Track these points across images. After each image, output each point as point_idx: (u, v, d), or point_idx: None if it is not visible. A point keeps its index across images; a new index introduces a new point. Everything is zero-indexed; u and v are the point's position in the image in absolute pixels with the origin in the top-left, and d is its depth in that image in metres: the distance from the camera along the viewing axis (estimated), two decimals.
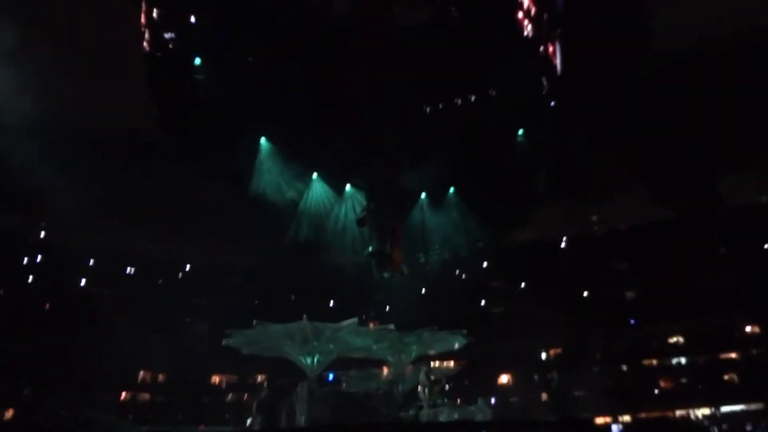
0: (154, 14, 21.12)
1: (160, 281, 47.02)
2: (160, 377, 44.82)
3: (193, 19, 20.73)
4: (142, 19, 21.49)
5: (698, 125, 35.49)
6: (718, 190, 42.57)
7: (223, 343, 30.80)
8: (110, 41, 27.77)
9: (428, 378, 27.36)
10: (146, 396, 44.05)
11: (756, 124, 36.32)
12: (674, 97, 33.51)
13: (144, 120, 25.11)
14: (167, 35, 21.24)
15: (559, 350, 46.85)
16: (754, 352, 41.41)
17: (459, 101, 23.73)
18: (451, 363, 44.87)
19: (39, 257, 43.34)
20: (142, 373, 44.04)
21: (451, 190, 27.69)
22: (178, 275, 48.79)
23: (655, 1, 27.95)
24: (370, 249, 23.02)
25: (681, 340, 44.66)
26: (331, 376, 40.05)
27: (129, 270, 46.55)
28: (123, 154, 31.42)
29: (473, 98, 23.63)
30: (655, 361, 44.80)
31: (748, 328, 42.78)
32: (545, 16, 22.18)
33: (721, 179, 40.65)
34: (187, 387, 43.32)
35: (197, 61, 21.62)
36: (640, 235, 47.73)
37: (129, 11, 22.20)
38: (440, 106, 23.79)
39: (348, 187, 26.66)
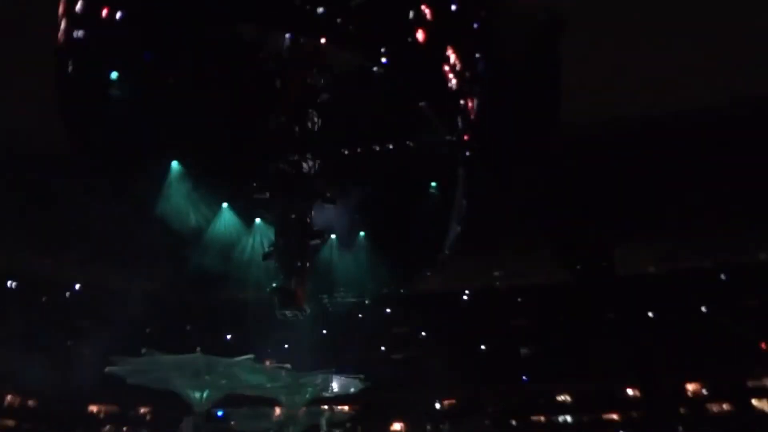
0: (77, 8, 19.98)
1: (43, 298, 43.97)
2: (30, 402, 41.39)
3: (119, 29, 19.67)
4: (60, 10, 20.39)
5: (600, 195, 37.89)
6: (612, 258, 45.19)
7: (106, 370, 29.05)
8: (25, 51, 26.51)
9: (328, 424, 26.95)
10: (11, 422, 40.44)
11: (650, 200, 39.33)
12: (582, 166, 35.71)
13: (43, 131, 23.84)
14: (85, 36, 20.12)
15: (453, 401, 47.49)
16: (634, 414, 43.82)
17: (377, 148, 24.14)
18: (346, 407, 44.38)
19: None
20: (9, 396, 40.54)
21: (362, 234, 27.86)
22: (65, 294, 45.77)
23: (575, 75, 29.78)
24: (274, 285, 22.73)
25: (568, 399, 46.54)
26: (220, 413, 38.51)
27: (10, 284, 43.26)
28: (20, 164, 29.60)
29: (391, 146, 24.10)
30: (543, 418, 46.35)
31: (629, 391, 45.23)
32: (467, 73, 22.98)
33: (615, 248, 43.22)
34: (60, 415, 40.20)
35: (114, 75, 20.80)
36: (539, 295, 49.78)
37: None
38: (358, 150, 24.10)
39: (257, 220, 26.23)
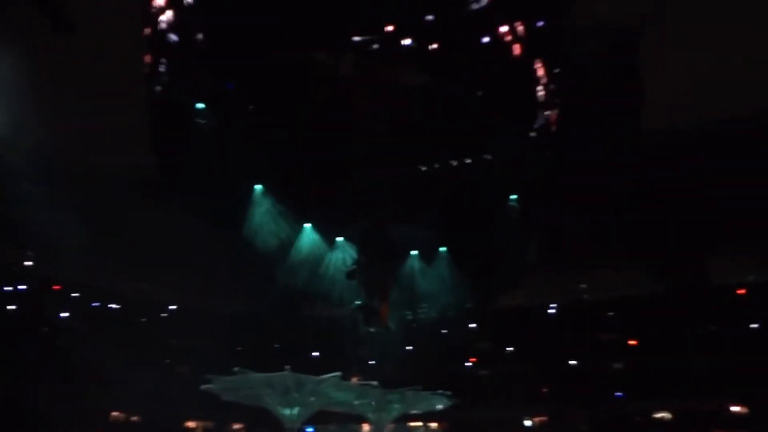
0: (162, 57, 21.39)
1: (142, 320, 46.39)
2: (134, 419, 43.62)
3: (200, 64, 20.84)
4: (148, 59, 21.77)
5: (691, 203, 36.00)
6: (707, 268, 42.83)
7: (202, 387, 30.19)
8: (111, 78, 28.22)
9: None
10: None
11: (745, 206, 36.93)
12: (670, 174, 34.12)
13: (139, 160, 25.32)
14: (173, 78, 21.47)
15: (544, 418, 46.06)
16: None
17: (455, 163, 24.02)
18: (434, 424, 44.03)
19: (22, 286, 42.76)
20: (114, 413, 42.89)
21: (442, 249, 27.73)
22: (161, 315, 48.13)
23: (658, 79, 28.66)
24: (358, 303, 22.98)
25: (667, 416, 44.07)
26: (309, 429, 39.16)
27: (112, 306, 45.93)
28: (117, 193, 31.56)
29: (469, 161, 23.92)
30: None
31: (733, 408, 42.31)
32: (552, 86, 22.65)
33: (711, 258, 40.94)
34: (160, 430, 42.14)
35: (200, 105, 21.91)
36: (629, 307, 47.65)
37: (135, 50, 22.55)
38: (436, 166, 24.07)
39: (340, 239, 26.67)
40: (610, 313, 48.88)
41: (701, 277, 43.46)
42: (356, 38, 18.78)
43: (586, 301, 49.45)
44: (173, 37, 20.18)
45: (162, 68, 21.31)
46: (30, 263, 42.46)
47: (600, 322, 48.32)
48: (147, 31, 20.91)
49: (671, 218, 36.23)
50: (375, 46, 18.99)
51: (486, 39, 19.21)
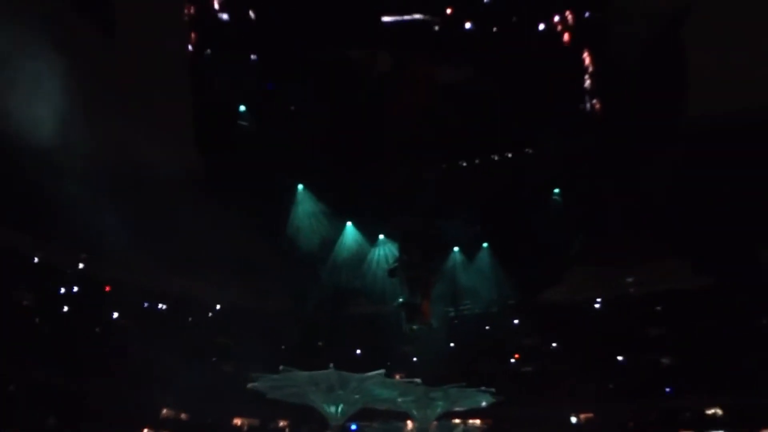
0: (206, 60, 21.83)
1: (189, 319, 47.35)
2: (183, 416, 44.61)
3: (243, 67, 21.24)
4: (192, 62, 22.26)
5: (739, 192, 34.87)
6: (757, 260, 41.39)
7: (248, 386, 30.67)
8: (157, 80, 28.82)
9: None
10: None
11: None
12: (714, 162, 33.11)
13: (185, 160, 25.89)
14: (217, 81, 21.94)
15: (590, 415, 45.23)
16: None
17: (495, 157, 23.92)
18: (477, 421, 43.71)
19: (75, 288, 44.16)
20: (165, 410, 43.94)
21: (485, 245, 27.59)
22: (208, 314, 49.05)
23: (702, 65, 27.90)
24: (400, 300, 23.04)
25: (719, 412, 42.76)
26: (354, 427, 39.37)
27: (161, 306, 47.03)
28: (163, 193, 32.26)
29: (509, 155, 23.80)
30: None
31: None
32: (595, 76, 22.44)
33: (761, 250, 39.54)
34: (208, 428, 42.98)
35: (242, 108, 22.34)
36: (677, 301, 46.28)
37: (180, 53, 23.04)
38: (476, 161, 24.01)
39: (381, 237, 26.80)
40: (658, 308, 47.61)
41: (751, 269, 42.07)
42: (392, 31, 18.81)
43: (633, 295, 48.34)
44: (217, 38, 20.65)
45: (206, 70, 21.85)
46: (82, 266, 43.79)
47: (647, 316, 47.10)
48: (191, 34, 21.46)
49: (719, 209, 35.16)
50: (413, 39, 19.08)
51: (526, 30, 19.13)
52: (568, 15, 20.20)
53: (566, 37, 20.19)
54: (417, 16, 18.54)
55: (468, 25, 18.75)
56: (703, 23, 27.38)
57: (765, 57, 31.80)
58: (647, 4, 26.29)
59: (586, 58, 21.59)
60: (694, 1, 26.74)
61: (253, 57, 20.21)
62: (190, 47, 21.83)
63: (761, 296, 42.73)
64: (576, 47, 20.93)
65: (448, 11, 18.60)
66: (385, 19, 18.45)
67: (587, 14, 20.54)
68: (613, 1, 23.35)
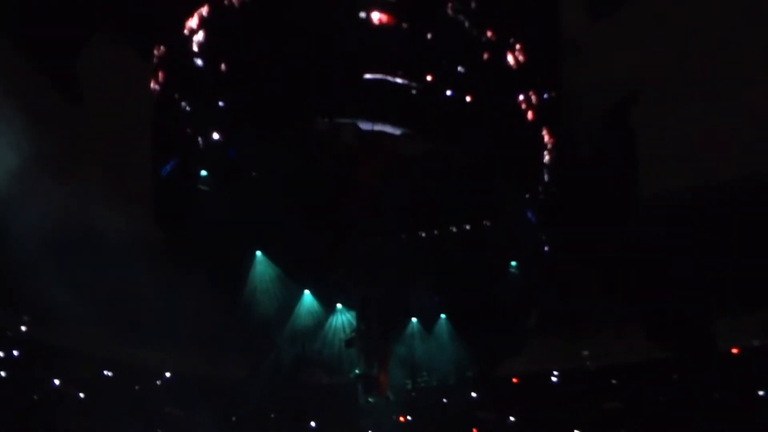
0: (168, 125, 21.72)
1: (136, 387, 45.34)
2: None
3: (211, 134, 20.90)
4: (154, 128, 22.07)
5: (694, 266, 35.88)
6: (712, 333, 42.26)
7: None
8: (115, 145, 28.62)
9: None
10: None
11: (748, 269, 36.74)
12: (671, 237, 34.15)
13: (139, 226, 25.43)
14: (177, 145, 21.77)
15: None
16: None
17: (454, 229, 24.18)
18: None
19: (16, 353, 42.04)
20: None
21: (443, 316, 27.51)
22: (156, 383, 47.09)
23: (656, 144, 29.12)
24: (357, 371, 22.67)
25: None
26: None
27: (106, 373, 45.00)
28: (115, 258, 31.49)
29: (468, 227, 24.09)
30: None
31: None
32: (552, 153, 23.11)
33: (715, 322, 40.43)
34: None
35: (203, 172, 22.21)
36: (634, 374, 46.67)
37: (141, 119, 22.97)
38: (435, 232, 24.23)
39: (339, 306, 26.52)
40: (614, 381, 47.87)
41: (706, 342, 42.84)
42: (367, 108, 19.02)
43: (590, 368, 48.53)
44: (181, 105, 20.66)
45: (167, 136, 21.76)
46: (24, 328, 41.87)
47: (604, 389, 47.25)
48: (155, 97, 21.43)
49: (675, 282, 36.06)
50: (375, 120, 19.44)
51: (496, 104, 19.78)
52: (532, 95, 21.06)
53: (530, 115, 20.95)
54: (398, 80, 18.87)
55: (446, 93, 19.16)
56: (655, 101, 28.85)
57: (717, 135, 33.61)
58: (599, 86, 27.67)
59: (545, 135, 22.37)
60: (644, 84, 28.24)
61: (217, 125, 20.19)
62: (155, 88, 21.58)
63: (716, 369, 43.41)
64: (537, 125, 21.70)
65: (429, 78, 18.97)
66: (368, 76, 18.67)
67: (545, 95, 21.46)
68: (565, 81, 24.43)
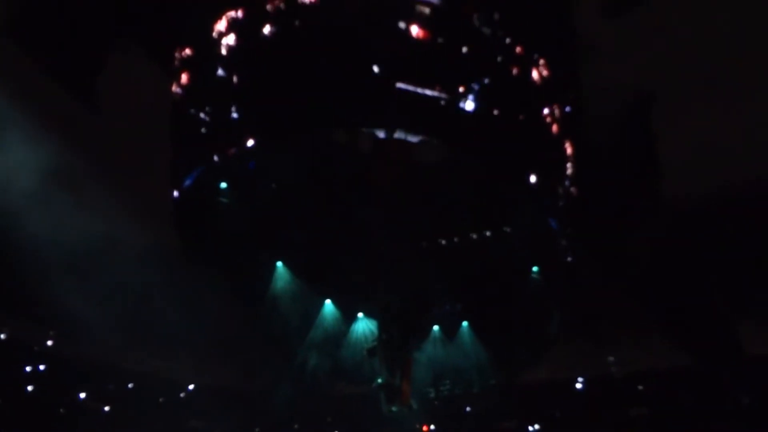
0: (187, 137, 21.80)
1: (160, 399, 45.60)
2: None
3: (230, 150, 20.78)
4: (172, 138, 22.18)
5: (718, 270, 35.31)
6: (739, 337, 41.51)
7: None
8: (135, 156, 28.84)
9: None
10: None
11: None
12: (695, 240, 33.64)
13: (161, 237, 25.60)
14: (197, 157, 21.82)
15: None
16: None
17: (474, 236, 24.07)
18: None
19: (42, 367, 42.51)
20: None
21: (464, 324, 27.34)
22: (180, 395, 47.31)
23: (678, 145, 28.75)
24: (379, 381, 22.55)
25: None
26: None
27: (130, 386, 45.31)
28: (138, 270, 31.77)
29: (488, 234, 23.97)
30: None
31: None
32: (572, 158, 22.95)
33: (742, 326, 39.71)
34: None
35: (223, 184, 22.34)
36: (660, 380, 45.98)
37: (160, 129, 23.11)
38: (455, 239, 24.13)
39: (360, 315, 26.48)
40: (640, 387, 47.17)
41: (732, 347, 42.11)
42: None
43: (615, 374, 47.87)
44: (198, 116, 20.74)
45: (186, 147, 21.90)
46: (50, 343, 42.35)
47: (629, 396, 46.57)
48: (175, 101, 21.55)
49: (699, 287, 35.49)
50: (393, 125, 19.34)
51: (520, 115, 19.74)
52: (556, 109, 21.04)
53: (554, 128, 20.90)
54: (428, 91, 18.76)
55: (471, 106, 19.00)
56: (675, 101, 28.50)
57: (740, 134, 33.09)
58: (616, 88, 27.43)
59: (568, 147, 22.26)
60: (663, 84, 27.92)
61: (235, 136, 20.22)
62: (176, 92, 21.59)
63: (743, 374, 42.63)
64: (560, 137, 21.59)
65: (461, 89, 18.85)
66: (400, 85, 18.50)
67: (568, 108, 21.42)
68: (583, 87, 24.26)
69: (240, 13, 19.49)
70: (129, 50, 24.26)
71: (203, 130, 20.13)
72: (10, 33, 23.12)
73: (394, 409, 22.65)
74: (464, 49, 18.72)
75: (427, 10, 18.33)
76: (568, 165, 21.72)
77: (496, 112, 19.09)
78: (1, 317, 38.26)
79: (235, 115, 19.32)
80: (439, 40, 18.37)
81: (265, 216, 22.91)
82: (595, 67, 25.39)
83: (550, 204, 21.45)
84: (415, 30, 18.21)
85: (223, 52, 19.50)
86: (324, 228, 23.58)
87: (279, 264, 25.11)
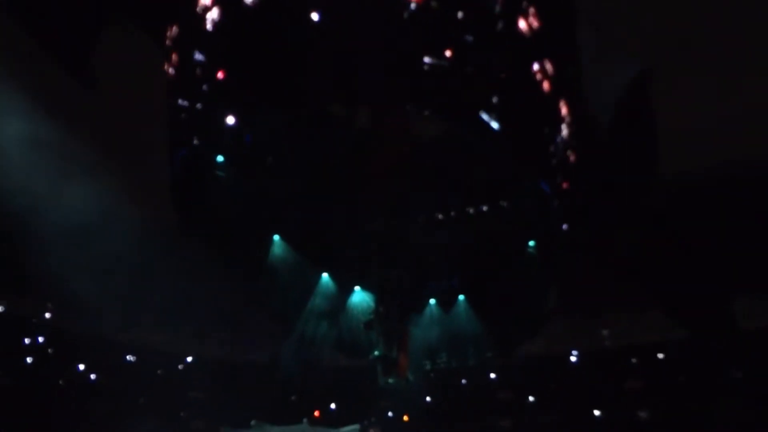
0: (183, 109, 21.52)
1: (159, 372, 46.00)
2: None
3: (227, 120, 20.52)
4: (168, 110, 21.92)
5: (713, 245, 35.43)
6: (733, 312, 41.81)
7: None
8: (130, 131, 28.69)
9: None
10: None
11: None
12: (690, 215, 33.69)
13: (157, 211, 25.56)
14: (193, 129, 21.61)
15: None
16: None
17: (471, 210, 24.04)
18: None
19: (40, 339, 42.75)
20: None
21: (461, 297, 27.47)
22: (178, 367, 47.70)
23: (676, 118, 28.53)
24: (376, 353, 22.75)
25: None
26: None
27: (129, 358, 45.66)
28: (135, 244, 31.80)
29: (485, 208, 23.92)
30: None
31: None
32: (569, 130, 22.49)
33: (736, 301, 39.98)
34: None
35: (219, 158, 22.20)
36: (654, 353, 46.47)
37: (156, 104, 22.89)
38: (452, 214, 24.10)
39: (357, 288, 26.57)
40: (634, 360, 47.66)
41: (727, 320, 42.43)
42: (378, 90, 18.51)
43: (609, 347, 48.34)
44: (195, 87, 20.47)
45: (182, 120, 21.68)
46: (48, 315, 42.55)
47: (624, 369, 47.10)
48: (169, 80, 21.28)
49: (694, 261, 35.62)
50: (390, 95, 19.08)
51: (511, 76, 19.18)
52: (548, 64, 20.22)
53: (546, 85, 20.08)
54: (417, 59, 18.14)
55: (459, 69, 18.36)
56: (675, 78, 28.24)
57: (739, 111, 32.92)
58: (616, 60, 27.15)
59: (563, 108, 21.70)
60: (662, 60, 27.64)
61: (232, 109, 20.01)
62: (169, 72, 21.26)
63: (737, 348, 43.04)
64: (553, 98, 20.97)
65: (447, 53, 18.21)
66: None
67: (564, 65, 20.84)
68: (583, 53, 23.81)
69: None
70: (125, 25, 23.97)
71: (196, 104, 19.90)
72: (5, 8, 22.82)
73: (390, 381, 22.88)
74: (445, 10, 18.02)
75: None
76: (563, 127, 21.37)
77: (481, 73, 18.41)
78: None
79: (226, 88, 19.03)
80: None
81: (262, 190, 22.81)
82: (595, 37, 25.11)
83: (545, 175, 21.28)
84: None
85: (209, 27, 19.18)
86: (321, 202, 23.51)
87: (276, 237, 25.09)
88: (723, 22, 27.15)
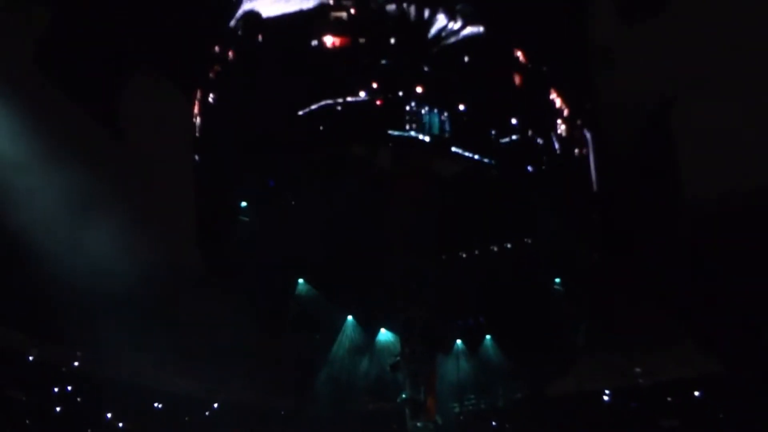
0: (209, 157, 22.12)
1: (186, 418, 45.77)
2: None
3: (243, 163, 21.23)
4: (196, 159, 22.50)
5: (745, 276, 34.63)
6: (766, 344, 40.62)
7: None
8: (158, 177, 29.23)
9: None
10: None
11: None
12: (721, 246, 33.05)
13: (184, 257, 25.84)
14: (219, 176, 22.13)
15: None
16: None
17: (495, 248, 23.96)
18: None
19: (69, 387, 42.96)
20: None
21: (488, 337, 27.12)
22: (205, 414, 47.46)
23: (702, 147, 28.35)
24: (404, 396, 22.38)
25: None
26: None
27: (156, 405, 45.59)
28: (162, 290, 32.11)
29: (509, 245, 23.84)
30: None
31: None
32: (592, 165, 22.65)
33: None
34: None
35: (243, 203, 22.57)
36: (688, 390, 45.08)
37: (182, 153, 23.45)
38: (476, 252, 24.02)
39: (383, 330, 26.41)
40: (669, 398, 46.25)
41: (761, 353, 41.19)
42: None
43: (643, 385, 47.03)
44: (219, 137, 21.06)
45: (208, 167, 22.20)
46: (77, 364, 42.83)
47: (659, 407, 45.69)
48: (195, 133, 21.92)
49: (726, 294, 34.82)
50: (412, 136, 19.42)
51: (520, 121, 19.55)
52: (566, 98, 20.68)
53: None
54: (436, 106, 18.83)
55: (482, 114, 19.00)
56: (695, 105, 28.17)
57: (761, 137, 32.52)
58: (634, 95, 27.19)
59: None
60: (681, 88, 27.65)
61: (255, 155, 20.52)
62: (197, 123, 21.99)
63: None
64: (577, 140, 21.33)
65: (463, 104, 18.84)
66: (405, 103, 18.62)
67: (586, 107, 21.16)
68: (601, 92, 24.01)
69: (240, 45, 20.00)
70: (152, 74, 24.75)
71: (222, 155, 20.49)
72: (35, 60, 23.73)
73: (419, 425, 22.39)
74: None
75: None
76: (587, 168, 21.43)
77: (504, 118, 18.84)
78: (29, 339, 38.89)
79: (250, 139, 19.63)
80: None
81: (285, 233, 23.03)
82: (613, 72, 25.26)
83: (569, 212, 21.24)
84: None
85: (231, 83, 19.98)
86: (344, 243, 23.62)
87: (301, 281, 25.22)
88: (743, 50, 27.20)
